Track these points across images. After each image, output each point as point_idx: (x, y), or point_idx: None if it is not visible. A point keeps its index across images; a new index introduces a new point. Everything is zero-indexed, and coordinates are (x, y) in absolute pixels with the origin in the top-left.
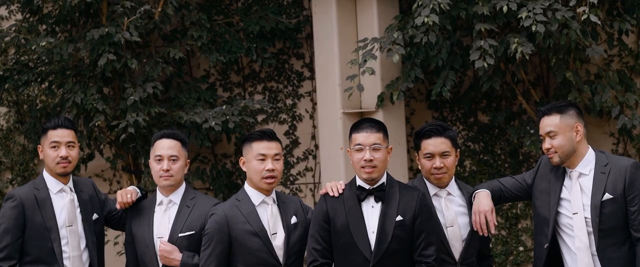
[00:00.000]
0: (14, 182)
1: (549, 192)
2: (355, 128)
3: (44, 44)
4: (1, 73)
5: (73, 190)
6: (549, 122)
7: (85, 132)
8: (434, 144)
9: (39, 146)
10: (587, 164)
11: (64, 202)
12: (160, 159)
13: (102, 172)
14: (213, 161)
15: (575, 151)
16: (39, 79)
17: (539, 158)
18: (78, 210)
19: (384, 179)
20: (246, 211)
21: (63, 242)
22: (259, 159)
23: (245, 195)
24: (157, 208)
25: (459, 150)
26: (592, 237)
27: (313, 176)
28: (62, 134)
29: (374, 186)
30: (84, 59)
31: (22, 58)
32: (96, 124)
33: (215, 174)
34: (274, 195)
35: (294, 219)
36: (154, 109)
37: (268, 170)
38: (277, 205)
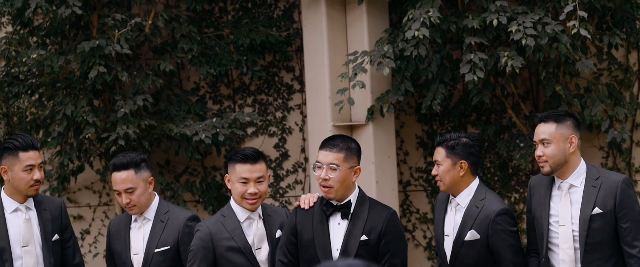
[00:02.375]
0: None
1: (541, 205)
2: (321, 145)
3: (35, 56)
4: None
5: (32, 208)
6: (545, 130)
7: (75, 144)
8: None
9: (2, 167)
10: (578, 176)
11: (19, 222)
12: (118, 193)
13: (91, 185)
14: (203, 174)
15: (567, 162)
16: (29, 92)
17: (529, 181)
18: (37, 230)
19: (352, 196)
20: (231, 227)
21: (17, 263)
22: (241, 182)
23: (231, 211)
24: (133, 225)
25: (463, 161)
26: (579, 251)
27: (303, 189)
28: (35, 157)
29: (342, 203)
30: (75, 71)
31: (13, 70)
32: (87, 137)
33: (205, 187)
34: (260, 210)
35: (279, 233)
36: (145, 121)
37: (250, 194)
38: (263, 219)
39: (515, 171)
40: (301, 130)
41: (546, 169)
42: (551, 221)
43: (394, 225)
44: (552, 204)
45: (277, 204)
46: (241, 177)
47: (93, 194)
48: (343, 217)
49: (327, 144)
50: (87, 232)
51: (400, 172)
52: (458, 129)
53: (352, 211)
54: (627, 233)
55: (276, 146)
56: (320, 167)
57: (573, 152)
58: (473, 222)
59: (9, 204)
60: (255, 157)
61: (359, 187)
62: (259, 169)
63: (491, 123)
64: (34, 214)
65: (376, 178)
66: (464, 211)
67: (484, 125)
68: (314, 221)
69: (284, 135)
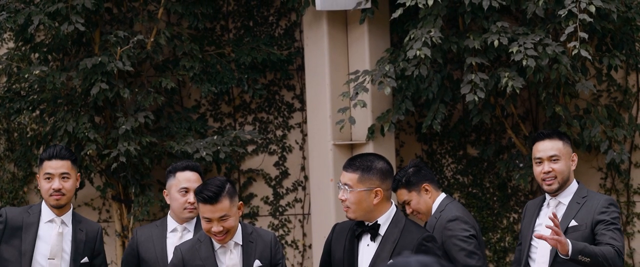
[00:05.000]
0: (7, 206)
1: (528, 222)
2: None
3: (36, 72)
4: None
5: (67, 224)
6: (553, 146)
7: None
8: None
9: (37, 174)
10: (568, 194)
11: (51, 233)
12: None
13: (91, 201)
14: None
15: (568, 179)
16: (30, 107)
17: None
18: (68, 246)
19: (382, 217)
20: (205, 254)
21: None
22: (204, 219)
23: (207, 237)
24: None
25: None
26: (548, 264)
27: (302, 207)
28: (56, 166)
29: (371, 223)
30: (76, 87)
31: (14, 86)
32: (87, 153)
33: None
34: (239, 237)
35: (257, 263)
36: (145, 138)
37: (214, 232)
38: (242, 246)
39: (514, 191)
40: (301, 148)
41: (554, 185)
42: (534, 235)
43: (426, 249)
44: (537, 220)
45: (276, 221)
46: (204, 217)
47: (93, 210)
48: (372, 239)
49: (347, 162)
50: None
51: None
52: (457, 149)
53: (382, 232)
54: (600, 238)
55: (276, 164)
56: (339, 187)
57: (572, 170)
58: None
59: (46, 214)
60: (214, 197)
61: (396, 207)
62: (220, 208)
63: (490, 143)
64: (68, 230)
65: None
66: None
67: (483, 145)
68: (346, 241)
69: (284, 153)
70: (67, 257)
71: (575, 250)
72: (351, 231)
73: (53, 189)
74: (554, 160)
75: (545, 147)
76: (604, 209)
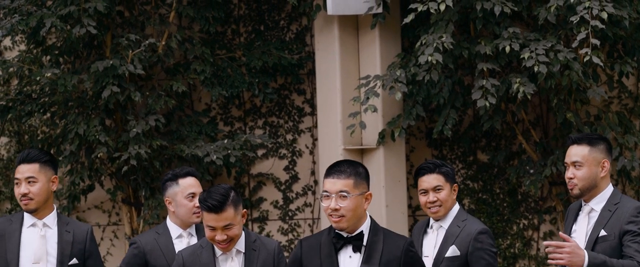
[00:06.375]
0: (13, 213)
1: (567, 228)
2: (326, 172)
3: (48, 75)
4: (4, 103)
5: (51, 226)
6: (578, 152)
7: (86, 163)
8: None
9: None
10: (601, 200)
11: (33, 238)
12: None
13: (101, 204)
14: None
15: (596, 186)
16: (41, 110)
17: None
18: (52, 248)
19: (364, 226)
20: (205, 260)
21: None
22: (208, 228)
23: (209, 243)
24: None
25: (455, 184)
26: None
27: (312, 212)
28: (22, 170)
29: (352, 234)
30: (88, 90)
31: (26, 88)
32: (98, 156)
33: None
34: (241, 245)
35: None
36: (156, 141)
37: (218, 240)
38: (244, 254)
39: (524, 197)
40: (311, 153)
41: (575, 191)
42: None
43: (413, 254)
44: (574, 226)
45: (285, 226)
46: (207, 225)
47: (102, 213)
48: (355, 250)
49: (334, 170)
50: None
51: (410, 197)
52: (467, 155)
53: (365, 243)
54: (627, 251)
55: (286, 168)
56: (327, 197)
57: (604, 177)
58: (454, 240)
59: (28, 219)
60: (219, 206)
61: (370, 216)
62: (225, 217)
63: (501, 149)
64: (52, 232)
65: (386, 202)
66: (445, 231)
67: (494, 151)
68: (321, 255)
69: (294, 157)
70: (53, 260)
71: (590, 264)
72: (330, 245)
73: (21, 194)
74: (577, 166)
75: (570, 153)
76: (632, 218)
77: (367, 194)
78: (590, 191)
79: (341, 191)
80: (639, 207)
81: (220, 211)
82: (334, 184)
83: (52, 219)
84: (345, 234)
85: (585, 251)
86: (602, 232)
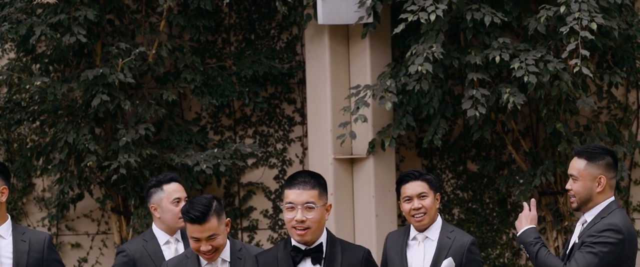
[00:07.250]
0: None
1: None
2: (287, 183)
3: (37, 83)
4: None
5: (5, 236)
6: (575, 165)
7: (76, 172)
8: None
9: None
10: (593, 213)
11: None
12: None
13: (90, 213)
14: None
15: (591, 201)
16: (31, 118)
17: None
18: (7, 258)
19: (322, 238)
20: None
21: None
22: (192, 239)
23: (194, 253)
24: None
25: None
26: None
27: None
28: None
29: (311, 246)
30: (77, 99)
31: (15, 97)
32: (87, 164)
33: None
34: (227, 254)
35: None
36: (146, 150)
37: (203, 251)
38: (230, 263)
39: (514, 207)
40: (301, 162)
41: (574, 204)
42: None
43: (372, 265)
44: (572, 237)
45: (275, 235)
46: (191, 236)
47: (92, 222)
48: (314, 262)
49: (298, 181)
50: (85, 260)
51: (399, 206)
52: (457, 164)
53: (324, 255)
54: (575, 252)
55: (276, 177)
56: (292, 208)
57: (600, 192)
58: (447, 251)
59: None
60: (202, 217)
61: (326, 227)
62: (208, 228)
63: (490, 159)
64: (7, 242)
65: (376, 211)
66: (435, 242)
67: (484, 160)
68: None
69: (284, 166)
70: None
71: (522, 238)
72: (288, 258)
73: None
74: (574, 179)
75: (571, 165)
76: (595, 233)
77: (328, 205)
78: (586, 204)
79: (307, 202)
80: (610, 225)
81: (204, 221)
82: (299, 195)
83: (5, 229)
84: (303, 247)
85: (531, 227)
86: (576, 239)
